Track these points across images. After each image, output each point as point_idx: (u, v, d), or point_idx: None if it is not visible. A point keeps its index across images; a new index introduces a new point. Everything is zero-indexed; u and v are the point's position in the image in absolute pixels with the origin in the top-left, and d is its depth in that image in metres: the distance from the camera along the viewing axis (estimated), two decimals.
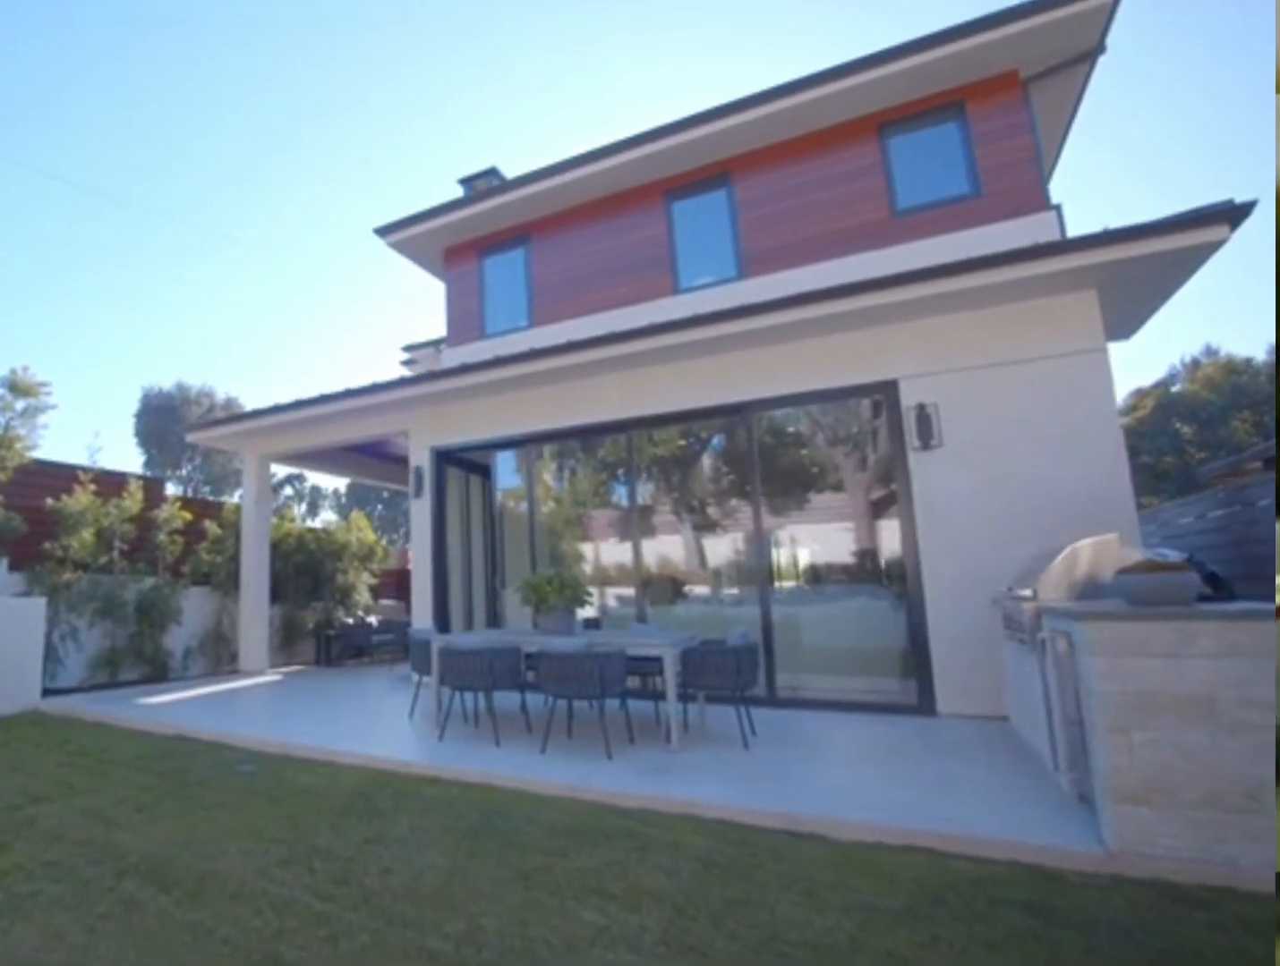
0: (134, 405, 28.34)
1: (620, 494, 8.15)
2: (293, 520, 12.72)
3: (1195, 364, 29.03)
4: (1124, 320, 6.59)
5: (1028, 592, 4.20)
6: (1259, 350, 28.44)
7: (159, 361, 62.10)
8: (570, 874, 2.99)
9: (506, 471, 8.94)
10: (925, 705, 5.90)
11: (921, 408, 6.20)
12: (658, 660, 5.61)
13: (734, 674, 4.95)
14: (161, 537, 9.75)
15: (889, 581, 6.57)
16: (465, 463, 9.50)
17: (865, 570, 6.86)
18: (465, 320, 9.84)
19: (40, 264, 52.43)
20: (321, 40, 45.81)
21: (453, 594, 8.75)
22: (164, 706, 7.17)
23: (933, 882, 2.87)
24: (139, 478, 9.75)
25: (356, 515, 13.72)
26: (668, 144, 8.25)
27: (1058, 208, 6.85)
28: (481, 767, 4.49)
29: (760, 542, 6.79)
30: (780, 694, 6.44)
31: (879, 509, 6.91)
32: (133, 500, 9.44)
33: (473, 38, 46.69)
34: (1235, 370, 26.16)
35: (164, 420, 28.26)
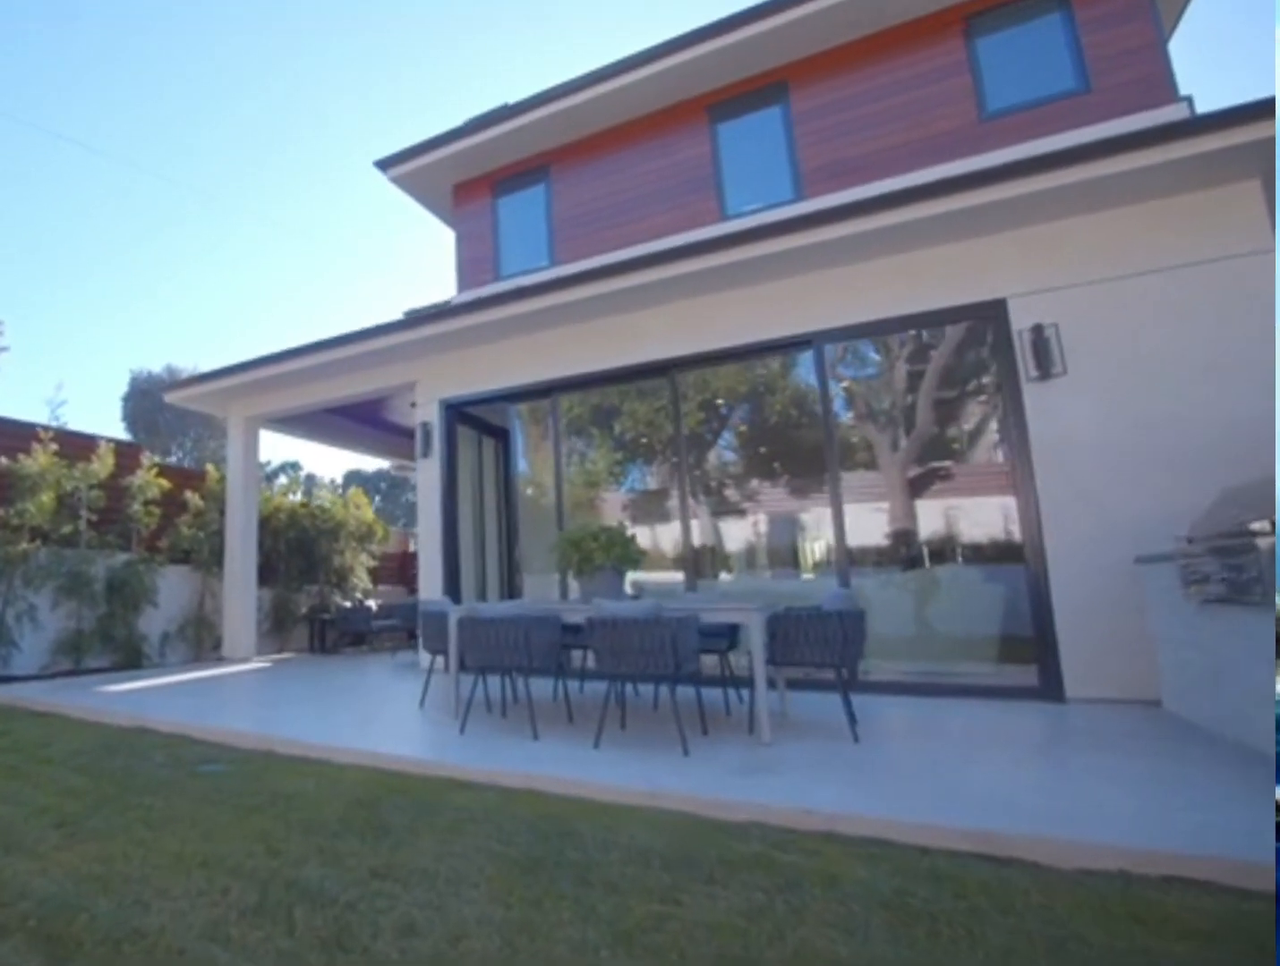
0: (122, 388, 27.24)
1: (641, 468, 7.17)
2: (294, 491, 11.58)
3: None
4: None
5: (1261, 525, 3.13)
6: None
7: (151, 344, 60.61)
8: (695, 933, 1.92)
9: (525, 428, 7.82)
10: (1049, 688, 4.84)
11: (1038, 330, 5.12)
12: (727, 634, 4.56)
13: (839, 646, 3.88)
14: (135, 508, 8.65)
15: (996, 544, 5.51)
16: (478, 423, 8.40)
17: (960, 532, 5.80)
18: (478, 262, 8.73)
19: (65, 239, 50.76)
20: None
21: (464, 568, 7.66)
22: (126, 694, 6.08)
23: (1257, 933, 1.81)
24: (110, 440, 8.64)
25: (355, 491, 12.62)
26: (712, 48, 7.15)
27: (1188, 99, 5.77)
28: (523, 767, 3.41)
29: (835, 500, 5.70)
30: (862, 677, 5.37)
31: (972, 462, 5.86)
32: (102, 464, 8.33)
33: None
34: None
35: (153, 404, 27.12)
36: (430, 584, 7.32)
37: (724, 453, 7.56)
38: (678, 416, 6.43)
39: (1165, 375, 4.78)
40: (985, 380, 5.93)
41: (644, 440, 7.62)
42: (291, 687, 6.51)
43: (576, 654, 5.56)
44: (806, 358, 6.57)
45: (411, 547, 15.32)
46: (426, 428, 7.54)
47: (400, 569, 13.98)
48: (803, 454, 6.72)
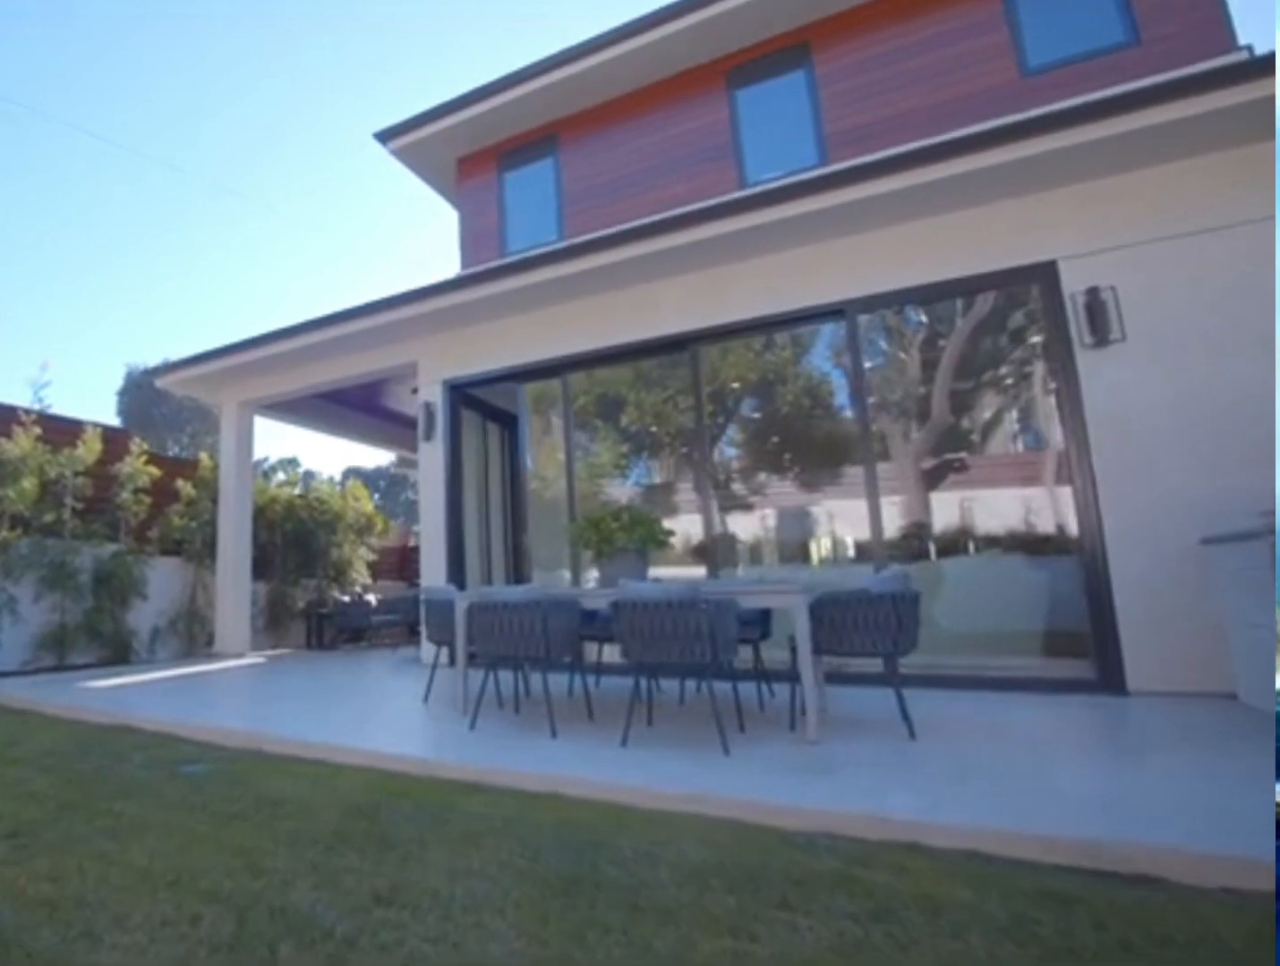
0: (117, 382, 26.82)
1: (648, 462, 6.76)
2: (292, 485, 11.12)
3: None
4: None
5: None
6: None
7: (147, 339, 59.99)
8: None
9: (532, 412, 7.41)
10: (1109, 681, 4.45)
11: (1093, 294, 4.73)
12: (759, 622, 4.17)
13: (892, 632, 3.49)
14: (124, 496, 8.23)
15: (1035, 532, 5.12)
16: (483, 407, 8.01)
17: (994, 520, 5.41)
18: (482, 237, 8.33)
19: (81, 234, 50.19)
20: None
21: (469, 558, 7.26)
22: (108, 691, 5.68)
23: None
24: (97, 426, 8.23)
25: (354, 483, 12.23)
26: (730, 5, 6.75)
27: (1248, 49, 5.38)
28: (544, 768, 3.01)
29: (869, 485, 5.31)
30: (904, 671, 4.96)
31: (1007, 448, 5.47)
32: (88, 450, 7.92)
33: None
34: None
35: (148, 398, 26.74)
36: (433, 574, 6.92)
37: (733, 443, 7.09)
38: (699, 393, 6.03)
39: (1234, 342, 4.39)
40: (1015, 355, 5.54)
41: (653, 428, 7.21)
42: (285, 683, 6.11)
43: (590, 647, 5.18)
44: (819, 342, 6.27)
45: (412, 542, 14.93)
46: (429, 409, 7.14)
47: (400, 564, 13.59)
48: (818, 443, 6.34)
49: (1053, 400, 5.06)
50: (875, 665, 4.14)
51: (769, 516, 6.67)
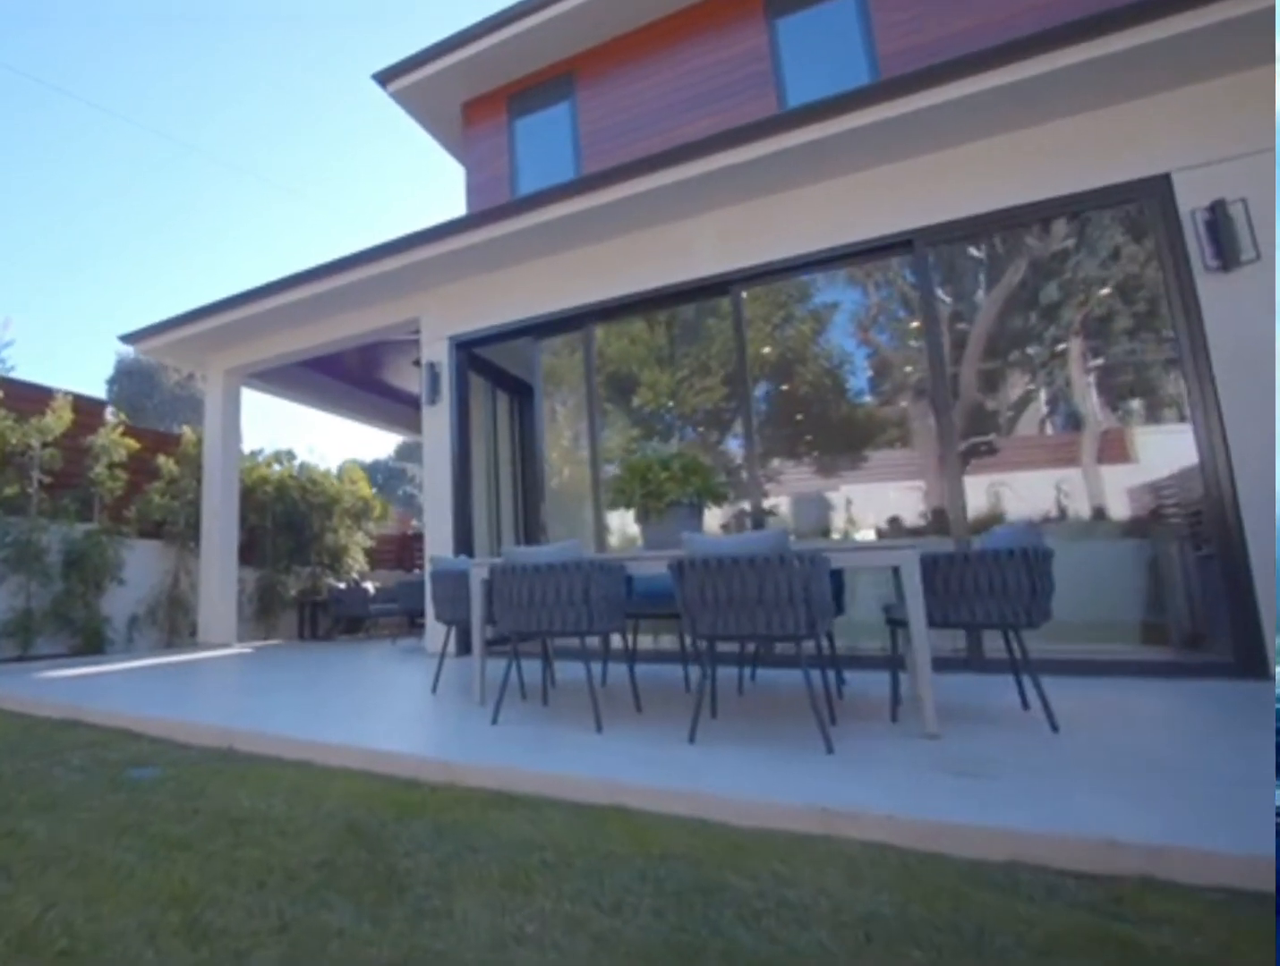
0: (107, 370, 25.97)
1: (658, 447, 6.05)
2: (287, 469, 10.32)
3: None
4: None
5: None
6: None
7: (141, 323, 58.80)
8: None
9: (549, 367, 6.65)
10: (1248, 664, 3.73)
11: (1219, 208, 4.01)
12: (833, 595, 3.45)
13: (1024, 598, 2.77)
14: (98, 471, 7.50)
15: (1131, 508, 4.41)
16: (493, 372, 7.28)
17: (1084, 497, 4.70)
18: (491, 186, 7.58)
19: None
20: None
21: (478, 533, 6.54)
22: (68, 681, 4.95)
23: None
24: (68, 393, 7.49)
25: (350, 466, 11.48)
26: None
27: None
28: (598, 771, 2.29)
29: (948, 453, 4.59)
30: (990, 653, 4.26)
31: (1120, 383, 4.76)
32: (58, 419, 7.19)
33: None
34: None
35: (140, 387, 25.94)
36: (438, 550, 6.19)
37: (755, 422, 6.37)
38: (741, 343, 5.30)
39: None
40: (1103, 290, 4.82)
41: (671, 404, 6.49)
42: (271, 674, 5.39)
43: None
44: (840, 318, 5.59)
45: (412, 529, 14.20)
46: (434, 370, 6.40)
47: (400, 552, 12.84)
48: (857, 425, 5.69)
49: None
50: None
51: (777, 505, 5.93)
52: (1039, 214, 4.56)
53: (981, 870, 1.61)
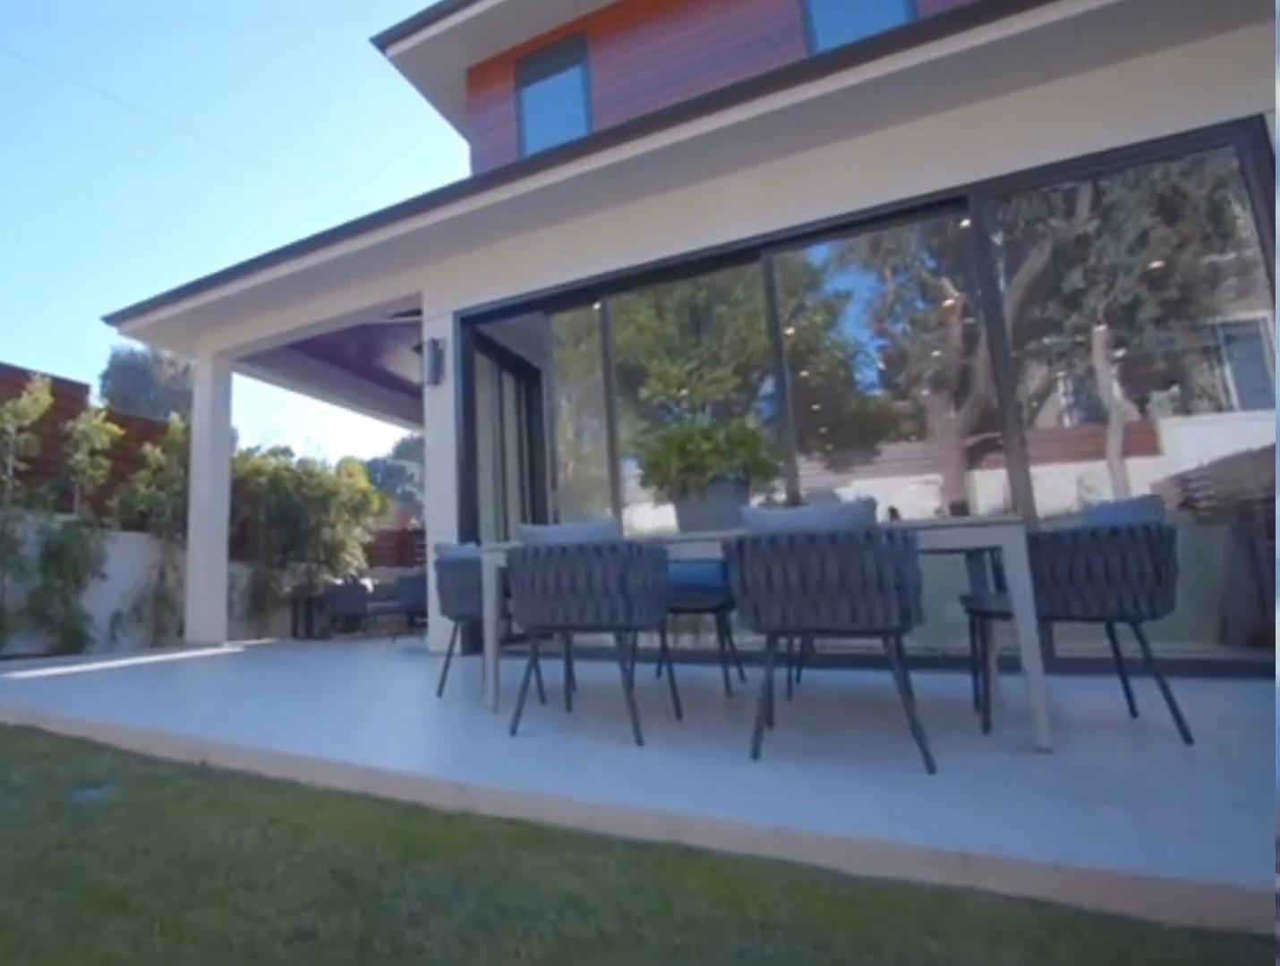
0: (101, 365, 25.44)
1: None
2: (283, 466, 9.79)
3: None
4: None
5: None
6: None
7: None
8: None
9: (560, 346, 6.19)
10: None
11: None
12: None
13: (1148, 583, 2.32)
14: (78, 458, 7.04)
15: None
16: (499, 353, 6.82)
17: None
18: (497, 155, 7.11)
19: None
20: None
21: (484, 521, 6.08)
22: (32, 683, 4.49)
23: None
24: (46, 375, 7.02)
25: (348, 460, 11.01)
26: None
27: None
28: (650, 798, 1.83)
29: (1012, 438, 4.15)
30: (1060, 653, 3.80)
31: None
32: (35, 402, 6.72)
33: None
34: None
35: (134, 382, 25.45)
36: (441, 539, 5.73)
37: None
38: (774, 312, 4.84)
39: None
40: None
41: (685, 392, 6.05)
42: (259, 674, 4.93)
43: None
44: (854, 310, 5.21)
45: (412, 525, 13.75)
46: (437, 347, 5.94)
47: (399, 549, 12.37)
48: (869, 417, 5.35)
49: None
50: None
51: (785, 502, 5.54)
52: (1112, 164, 4.12)
53: (1202, 942, 1.16)
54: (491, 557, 3.08)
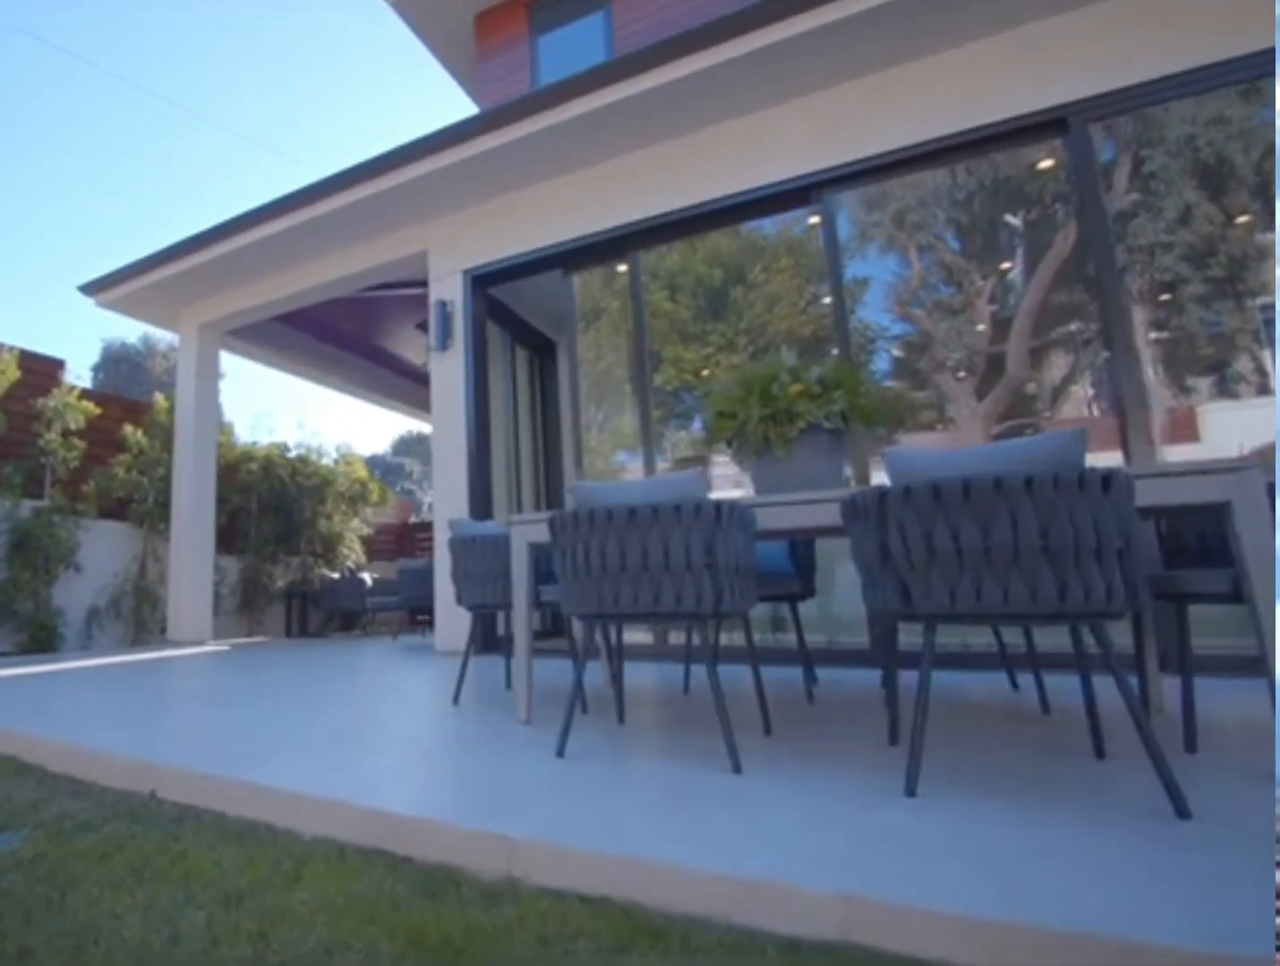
0: (93, 357, 24.75)
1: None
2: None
3: None
4: None
5: None
6: None
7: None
8: None
9: (583, 308, 5.55)
10: None
11: None
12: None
13: None
14: (50, 438, 6.42)
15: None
16: (512, 321, 6.21)
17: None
18: None
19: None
20: None
21: (496, 503, 5.46)
22: None
23: None
24: (13, 348, 6.40)
25: (346, 453, 10.36)
26: None
27: None
28: (830, 881, 1.22)
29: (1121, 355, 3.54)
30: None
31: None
32: (2, 376, 6.10)
33: None
34: None
35: (127, 375, 24.79)
36: (449, 513, 5.12)
37: None
38: (835, 258, 4.22)
39: None
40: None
41: (706, 374, 5.44)
42: (242, 678, 4.31)
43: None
44: (870, 297, 4.58)
45: (414, 518, 13.12)
46: (445, 310, 5.32)
47: (399, 543, 11.74)
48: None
49: None
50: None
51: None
52: (1234, 74, 3.50)
53: None
54: (523, 532, 2.46)
